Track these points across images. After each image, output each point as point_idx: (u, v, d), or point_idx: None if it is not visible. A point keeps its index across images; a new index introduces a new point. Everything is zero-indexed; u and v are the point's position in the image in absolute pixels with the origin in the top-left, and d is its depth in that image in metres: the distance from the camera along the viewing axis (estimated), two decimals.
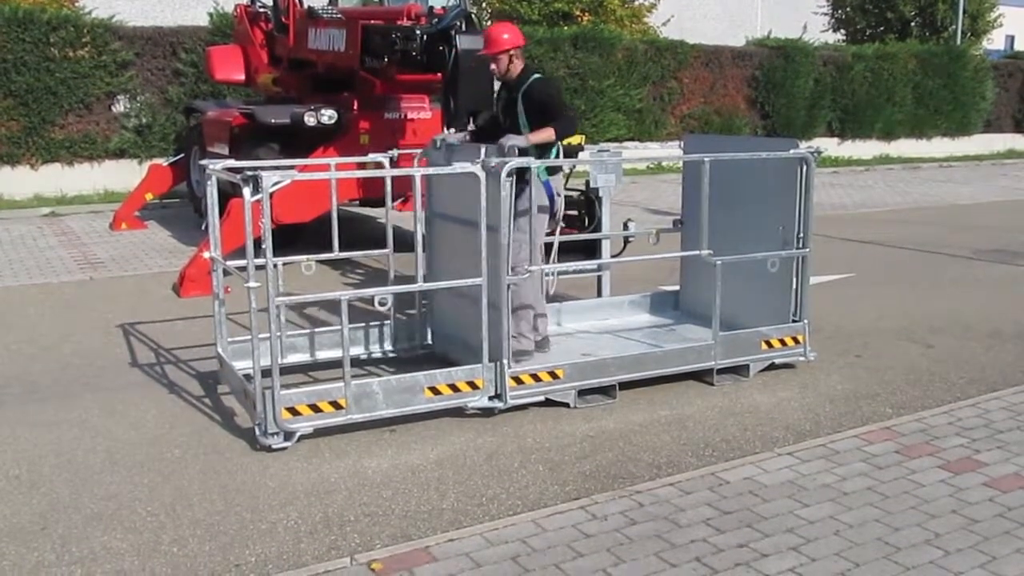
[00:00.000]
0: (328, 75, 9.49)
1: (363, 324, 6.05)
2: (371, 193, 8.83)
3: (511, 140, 5.31)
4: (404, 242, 6.39)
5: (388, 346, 6.04)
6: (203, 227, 7.59)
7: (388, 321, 6.02)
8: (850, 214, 13.32)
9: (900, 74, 21.57)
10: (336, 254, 5.85)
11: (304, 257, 5.54)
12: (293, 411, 4.66)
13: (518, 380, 5.10)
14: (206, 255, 5.37)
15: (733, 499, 4.01)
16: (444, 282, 5.44)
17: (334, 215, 5.78)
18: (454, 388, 5.02)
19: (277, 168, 6.79)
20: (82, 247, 10.16)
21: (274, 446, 4.60)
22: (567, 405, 5.21)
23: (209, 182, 5.21)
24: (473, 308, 5.16)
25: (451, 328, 5.81)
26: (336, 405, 4.75)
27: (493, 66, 5.70)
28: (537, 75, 5.71)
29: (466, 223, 5.26)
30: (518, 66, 5.69)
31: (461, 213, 5.36)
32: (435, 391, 4.97)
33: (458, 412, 5.13)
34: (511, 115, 5.69)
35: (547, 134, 5.46)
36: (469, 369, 5.06)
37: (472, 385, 5.05)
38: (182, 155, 11.81)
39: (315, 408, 4.71)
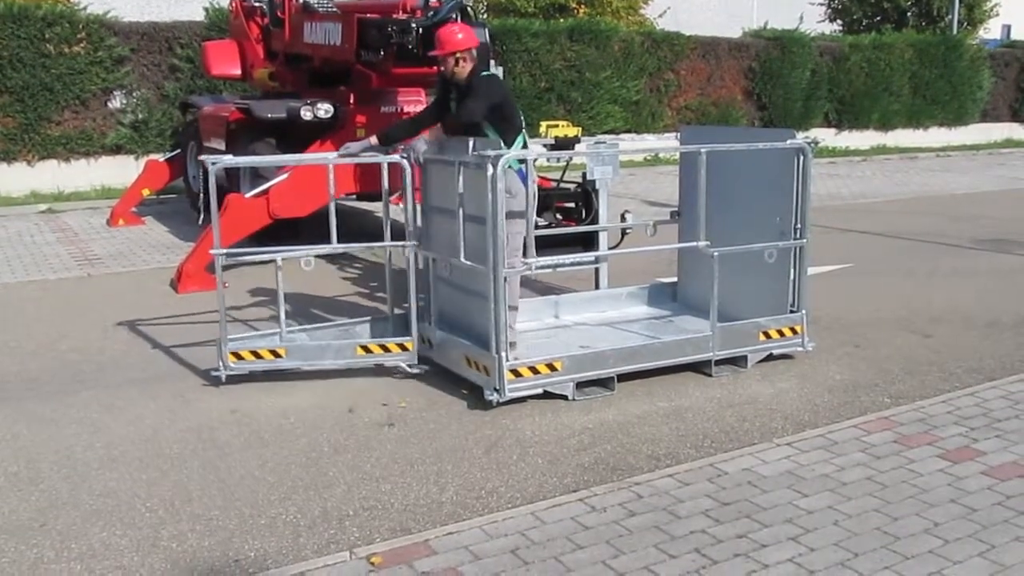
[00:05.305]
0: (324, 69, 9.46)
1: (368, 318, 6.13)
2: (368, 187, 8.81)
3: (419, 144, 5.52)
4: (402, 236, 6.36)
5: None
6: (199, 222, 7.58)
7: (388, 316, 6.05)
8: (847, 204, 13.31)
9: (897, 64, 21.51)
10: (334, 247, 5.83)
11: (303, 253, 5.53)
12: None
13: (516, 373, 5.10)
14: (212, 252, 5.36)
15: (732, 490, 4.02)
16: (454, 259, 5.47)
17: (332, 210, 5.77)
18: (468, 361, 5.34)
19: (275, 163, 6.83)
20: (79, 243, 10.14)
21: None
22: (565, 397, 5.21)
23: (210, 175, 5.20)
24: (469, 300, 5.14)
25: (450, 321, 5.80)
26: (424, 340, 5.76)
27: (443, 67, 5.58)
28: (483, 72, 5.69)
29: (463, 216, 5.26)
30: (468, 67, 5.58)
31: (456, 205, 5.35)
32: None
33: (457, 406, 5.16)
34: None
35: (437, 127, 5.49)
36: (479, 351, 5.21)
37: (479, 366, 5.19)
38: (179, 151, 11.78)
39: (385, 348, 5.66)
